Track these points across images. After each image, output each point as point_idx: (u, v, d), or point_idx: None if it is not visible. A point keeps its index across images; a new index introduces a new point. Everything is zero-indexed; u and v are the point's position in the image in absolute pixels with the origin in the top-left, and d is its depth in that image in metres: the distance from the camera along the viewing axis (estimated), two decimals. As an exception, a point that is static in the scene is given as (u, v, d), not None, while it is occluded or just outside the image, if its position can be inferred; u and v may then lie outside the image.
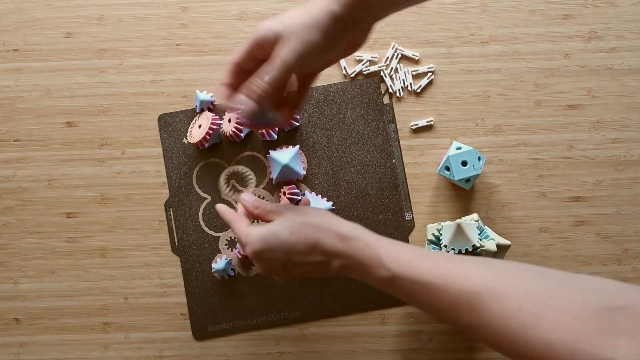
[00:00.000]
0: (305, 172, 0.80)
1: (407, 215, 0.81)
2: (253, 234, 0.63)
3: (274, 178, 0.79)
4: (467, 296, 0.53)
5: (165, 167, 0.81)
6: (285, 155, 0.77)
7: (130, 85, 0.82)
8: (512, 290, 0.52)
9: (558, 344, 0.48)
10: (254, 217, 0.67)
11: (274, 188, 0.81)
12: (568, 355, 0.47)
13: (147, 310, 0.81)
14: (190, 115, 0.82)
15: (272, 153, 0.78)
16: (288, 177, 0.79)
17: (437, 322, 0.80)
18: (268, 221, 0.65)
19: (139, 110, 0.82)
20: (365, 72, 0.82)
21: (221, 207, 0.68)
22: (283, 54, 0.57)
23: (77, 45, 0.83)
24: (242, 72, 0.61)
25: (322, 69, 0.63)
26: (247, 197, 0.67)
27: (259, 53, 0.60)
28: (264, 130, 0.79)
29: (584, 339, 0.47)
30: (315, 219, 0.63)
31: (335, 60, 0.62)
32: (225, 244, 0.81)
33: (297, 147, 0.79)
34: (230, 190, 0.79)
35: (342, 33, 0.58)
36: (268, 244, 0.62)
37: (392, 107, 0.81)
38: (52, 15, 0.83)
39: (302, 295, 0.80)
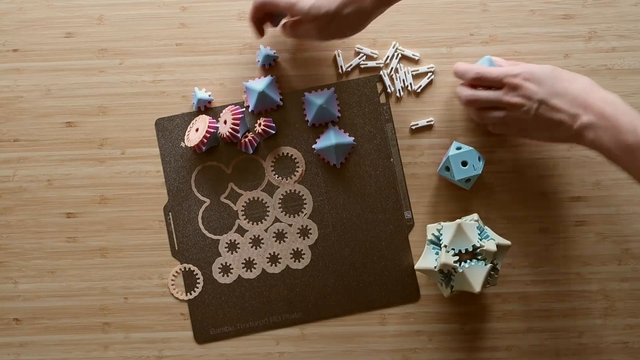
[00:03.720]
0: (340, 115, 0.81)
1: (407, 214, 0.81)
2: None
3: (309, 120, 0.80)
4: None
5: (164, 171, 0.81)
6: (320, 96, 0.79)
7: (130, 85, 0.82)
8: None
9: None
10: None
11: (310, 130, 0.81)
12: None
13: (147, 310, 0.81)
14: (187, 118, 0.81)
15: (308, 95, 0.79)
16: (323, 118, 0.80)
17: (438, 322, 0.80)
18: None
19: (138, 110, 0.82)
20: (362, 66, 0.82)
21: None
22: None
23: (77, 45, 0.83)
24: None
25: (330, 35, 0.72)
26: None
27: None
28: (244, 141, 0.79)
29: None
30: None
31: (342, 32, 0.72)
32: (225, 247, 0.81)
33: (333, 89, 0.80)
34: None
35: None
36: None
37: (389, 107, 0.81)
38: (52, 15, 0.83)
39: (303, 297, 0.80)
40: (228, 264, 0.81)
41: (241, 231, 0.81)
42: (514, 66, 0.73)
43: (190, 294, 0.80)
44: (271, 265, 0.81)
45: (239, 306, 0.80)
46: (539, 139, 0.74)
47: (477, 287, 0.72)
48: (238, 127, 0.78)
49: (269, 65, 0.82)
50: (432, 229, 0.76)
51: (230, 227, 0.81)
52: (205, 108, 0.81)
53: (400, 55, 0.82)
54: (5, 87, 0.82)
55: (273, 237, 0.81)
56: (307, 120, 0.81)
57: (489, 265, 0.72)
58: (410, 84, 0.81)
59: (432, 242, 0.76)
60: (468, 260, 0.72)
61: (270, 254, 0.81)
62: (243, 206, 0.81)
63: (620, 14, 0.81)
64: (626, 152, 0.64)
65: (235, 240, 0.81)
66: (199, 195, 0.81)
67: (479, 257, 0.72)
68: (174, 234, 0.81)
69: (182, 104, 0.82)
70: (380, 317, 0.80)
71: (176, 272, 0.80)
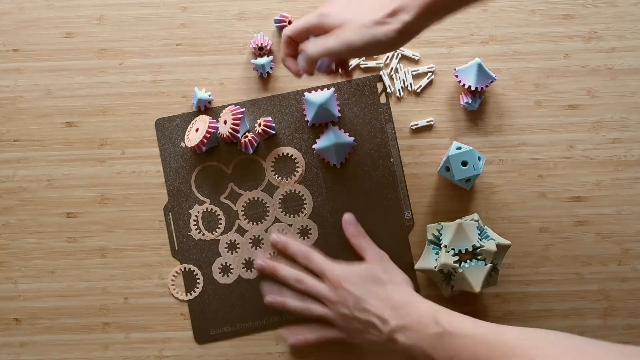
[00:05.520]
0: (340, 115, 0.81)
1: (407, 214, 0.81)
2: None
3: (309, 120, 0.80)
4: (503, 346, 0.60)
5: (164, 171, 0.81)
6: (320, 96, 0.78)
7: (130, 85, 0.82)
8: (547, 348, 0.57)
9: None
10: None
11: (310, 130, 0.81)
12: None
13: (147, 310, 0.81)
14: (187, 118, 0.81)
15: (307, 95, 0.79)
16: (323, 118, 0.80)
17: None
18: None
19: (139, 110, 0.82)
20: (362, 67, 0.82)
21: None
22: (347, 37, 0.63)
23: (77, 45, 0.83)
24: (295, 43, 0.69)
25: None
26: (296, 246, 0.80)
27: (316, 32, 0.67)
28: (244, 141, 0.79)
29: None
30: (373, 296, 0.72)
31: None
32: (225, 247, 0.81)
33: (333, 89, 0.80)
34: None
35: (409, 38, 0.64)
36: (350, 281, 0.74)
37: (389, 107, 0.81)
38: (52, 15, 0.83)
39: (302, 295, 0.80)
40: (228, 264, 0.81)
41: (241, 231, 0.81)
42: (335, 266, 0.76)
43: (190, 294, 0.80)
44: (271, 265, 0.81)
45: (239, 306, 0.80)
46: (360, 343, 0.75)
47: (477, 287, 0.72)
48: (238, 127, 0.78)
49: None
50: (432, 229, 0.76)
51: (230, 227, 0.81)
52: (205, 108, 0.81)
53: (400, 55, 0.82)
54: (5, 87, 0.82)
55: (273, 237, 0.81)
56: (307, 120, 0.81)
57: (489, 265, 0.72)
58: (410, 84, 0.81)
59: (432, 242, 0.76)
60: (468, 260, 0.72)
61: (270, 254, 0.81)
62: (243, 206, 0.81)
63: (620, 14, 0.81)
64: (435, 342, 0.65)
65: (235, 240, 0.81)
66: (199, 195, 0.81)
67: (479, 257, 0.72)
68: (174, 234, 0.81)
69: (182, 104, 0.82)
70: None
71: (176, 272, 0.80)
